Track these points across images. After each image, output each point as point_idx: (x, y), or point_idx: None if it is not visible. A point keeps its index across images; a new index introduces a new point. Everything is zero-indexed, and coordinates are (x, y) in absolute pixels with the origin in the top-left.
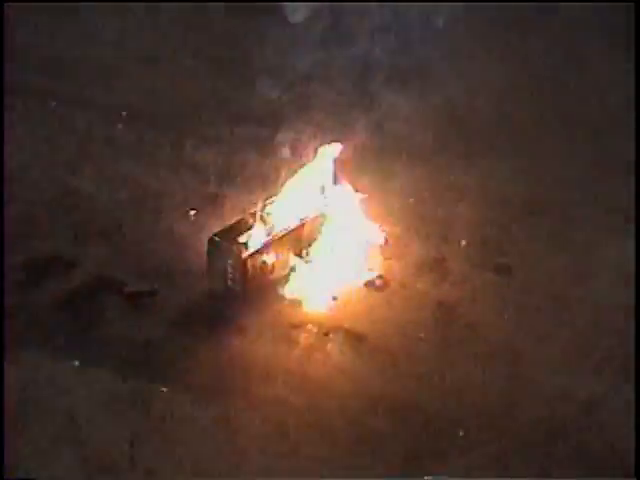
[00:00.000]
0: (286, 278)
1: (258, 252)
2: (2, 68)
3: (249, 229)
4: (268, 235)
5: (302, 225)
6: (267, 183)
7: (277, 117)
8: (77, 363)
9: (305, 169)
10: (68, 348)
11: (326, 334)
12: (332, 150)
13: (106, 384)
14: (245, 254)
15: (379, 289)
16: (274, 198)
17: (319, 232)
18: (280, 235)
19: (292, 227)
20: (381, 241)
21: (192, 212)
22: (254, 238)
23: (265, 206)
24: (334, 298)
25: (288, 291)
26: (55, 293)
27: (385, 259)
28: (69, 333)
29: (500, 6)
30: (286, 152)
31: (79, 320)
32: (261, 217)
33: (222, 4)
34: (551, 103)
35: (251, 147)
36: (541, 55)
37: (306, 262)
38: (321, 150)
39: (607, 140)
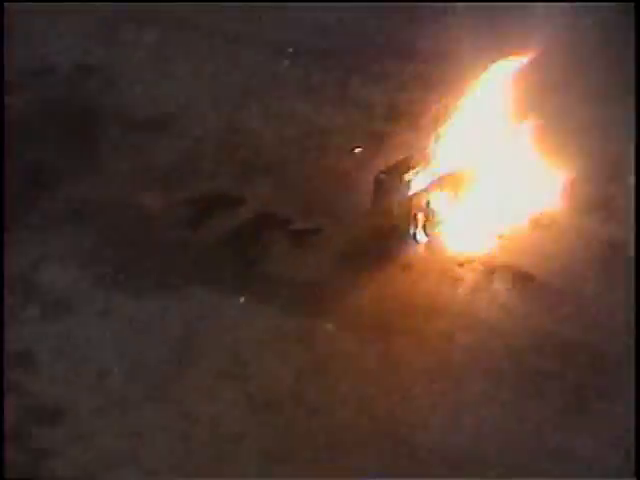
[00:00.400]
0: (451, 217)
1: (424, 190)
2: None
3: (415, 167)
4: (434, 174)
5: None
6: (434, 121)
7: (445, 54)
8: (242, 299)
9: (475, 102)
10: (233, 285)
11: (492, 272)
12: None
13: (271, 321)
14: (411, 192)
15: (546, 227)
16: (441, 136)
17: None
18: (446, 174)
19: (458, 167)
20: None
21: (358, 149)
22: (420, 176)
23: (432, 144)
24: (500, 236)
25: (453, 229)
26: (220, 230)
27: (552, 197)
28: (234, 270)
29: None
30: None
31: (244, 257)
32: (428, 155)
33: None
34: None
35: (418, 84)
36: None
37: (472, 201)
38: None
39: None
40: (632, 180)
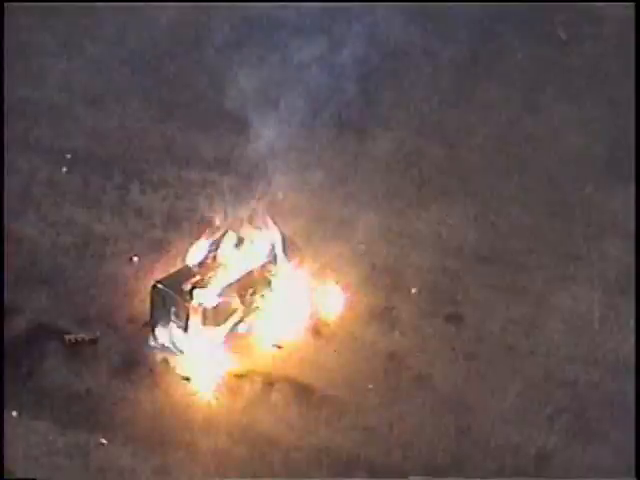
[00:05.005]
0: (232, 327)
1: (203, 301)
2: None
3: (194, 276)
4: (215, 283)
5: (249, 274)
6: (214, 229)
7: (225, 161)
8: (15, 413)
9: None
10: (7, 398)
11: (271, 384)
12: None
13: (44, 435)
14: (189, 302)
15: (327, 338)
16: (222, 246)
17: (266, 282)
18: (227, 284)
19: (239, 276)
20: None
21: (135, 258)
22: (200, 286)
23: (212, 256)
24: (280, 347)
25: (233, 340)
26: None
27: (334, 307)
28: (8, 382)
29: (455, 49)
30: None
31: (18, 369)
32: (208, 265)
33: (172, 46)
34: (505, 149)
35: (198, 192)
36: (495, 100)
37: (252, 311)
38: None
39: (561, 187)
40: (414, 291)
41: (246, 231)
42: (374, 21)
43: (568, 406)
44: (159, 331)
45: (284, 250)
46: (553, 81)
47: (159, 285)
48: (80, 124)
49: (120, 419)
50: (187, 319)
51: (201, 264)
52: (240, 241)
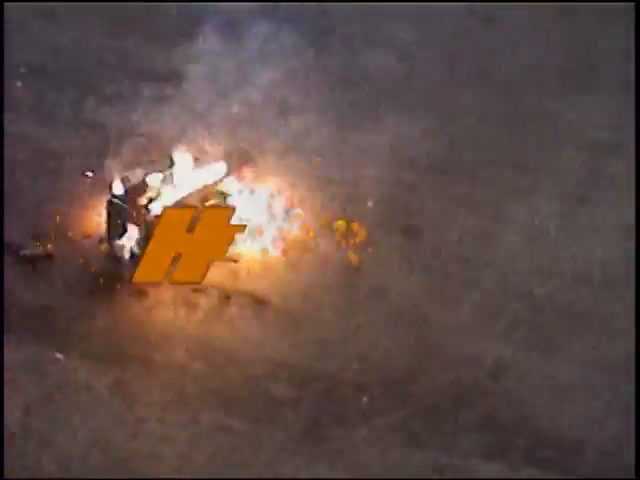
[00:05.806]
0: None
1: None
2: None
3: (150, 191)
4: (171, 197)
5: (204, 188)
6: (170, 142)
7: (180, 75)
8: None
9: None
10: None
11: (228, 298)
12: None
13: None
14: (146, 216)
15: (283, 252)
16: (176, 161)
17: (221, 196)
18: (182, 197)
19: (194, 190)
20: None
21: (90, 173)
22: (155, 200)
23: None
24: (235, 261)
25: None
26: None
27: (290, 220)
28: None
29: None
30: None
31: None
32: (164, 180)
33: None
34: (461, 61)
35: (154, 105)
36: (450, 12)
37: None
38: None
39: (517, 98)
40: (370, 204)
41: (202, 146)
42: None
43: (524, 317)
44: (115, 246)
45: (239, 163)
46: None
47: (114, 200)
48: (35, 38)
49: (76, 334)
50: (143, 232)
51: (157, 179)
52: (195, 157)
